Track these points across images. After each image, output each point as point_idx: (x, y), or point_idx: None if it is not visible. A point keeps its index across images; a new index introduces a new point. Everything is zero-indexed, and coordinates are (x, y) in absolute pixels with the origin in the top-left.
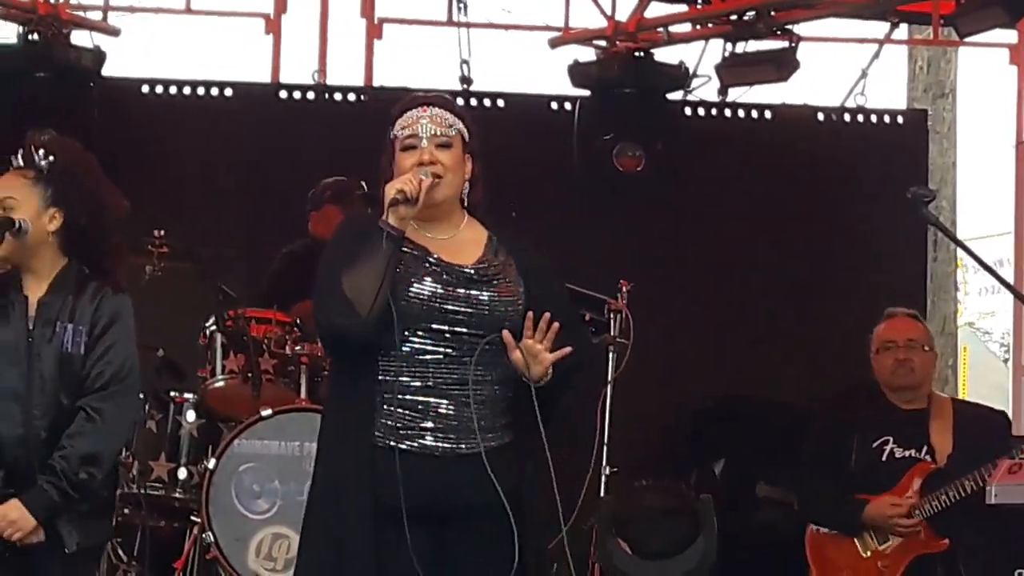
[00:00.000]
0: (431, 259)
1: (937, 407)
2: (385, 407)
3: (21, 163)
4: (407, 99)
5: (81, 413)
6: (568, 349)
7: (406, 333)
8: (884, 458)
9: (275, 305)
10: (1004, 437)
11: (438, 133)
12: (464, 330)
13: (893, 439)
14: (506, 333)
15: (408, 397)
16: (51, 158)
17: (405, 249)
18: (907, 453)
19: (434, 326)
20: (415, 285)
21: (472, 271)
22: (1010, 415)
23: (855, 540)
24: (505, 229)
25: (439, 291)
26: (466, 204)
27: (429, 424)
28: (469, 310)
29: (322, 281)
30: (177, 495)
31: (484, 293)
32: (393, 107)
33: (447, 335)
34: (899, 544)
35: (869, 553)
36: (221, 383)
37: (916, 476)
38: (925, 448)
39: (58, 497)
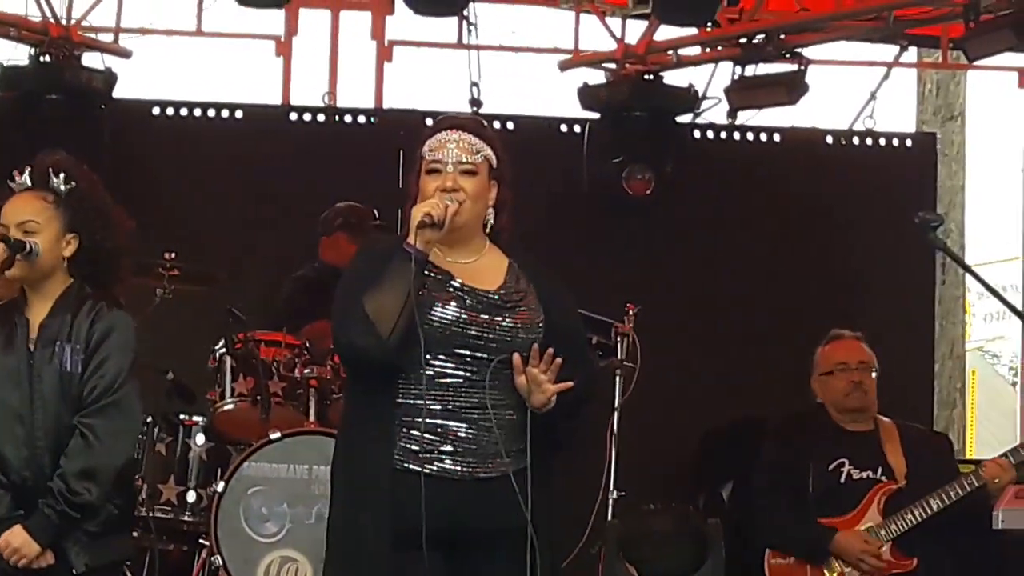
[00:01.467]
0: (454, 283)
1: (884, 428)
2: (405, 430)
3: (28, 183)
4: (440, 119)
5: (76, 431)
6: (570, 384)
7: (427, 356)
8: (842, 480)
9: (285, 329)
10: (950, 459)
11: (463, 160)
12: (485, 355)
13: (848, 460)
14: (516, 355)
15: (428, 421)
16: (72, 184)
17: (428, 272)
18: (864, 474)
19: (456, 350)
20: (439, 309)
21: (496, 296)
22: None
23: (821, 564)
24: (526, 255)
25: (463, 316)
26: (488, 230)
27: (448, 448)
28: (491, 335)
29: (342, 301)
30: (186, 518)
31: (506, 319)
32: (402, 130)
33: (468, 359)
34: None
35: (836, 575)
36: (230, 406)
37: (879, 496)
38: (881, 468)
39: (58, 519)
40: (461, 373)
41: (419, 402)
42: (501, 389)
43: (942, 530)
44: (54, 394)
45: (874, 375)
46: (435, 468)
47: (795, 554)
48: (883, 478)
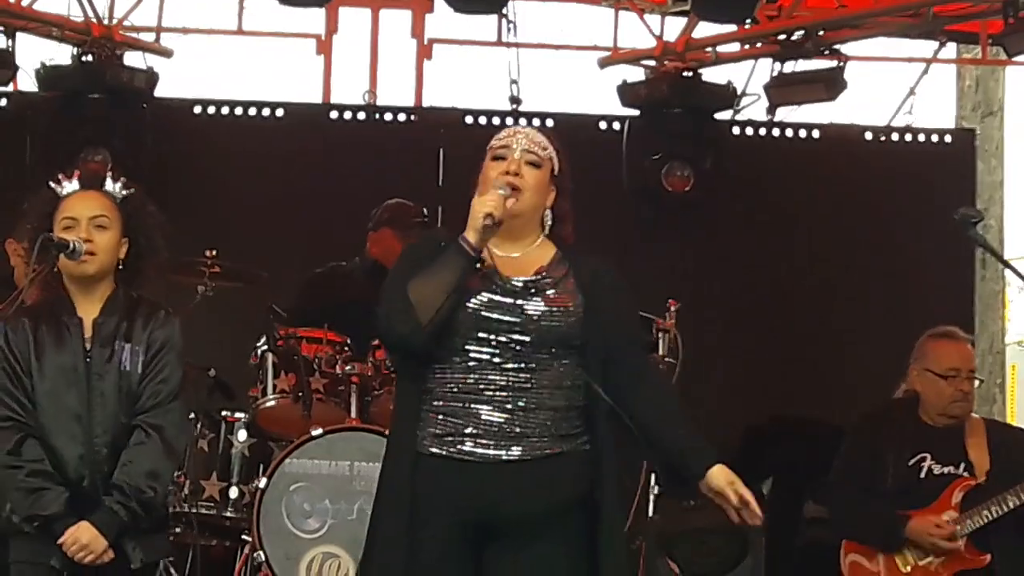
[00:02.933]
0: (489, 273)
1: (970, 424)
2: (432, 415)
3: (78, 187)
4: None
5: (139, 431)
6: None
7: (456, 340)
8: (923, 475)
9: (327, 325)
10: None
11: (531, 149)
12: (510, 338)
13: (931, 456)
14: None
15: (452, 404)
16: (131, 190)
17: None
18: (946, 470)
19: (480, 334)
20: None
21: (521, 283)
22: None
23: (894, 556)
24: (576, 249)
25: (485, 300)
26: (546, 232)
27: (471, 430)
28: (515, 319)
29: (389, 285)
30: (228, 514)
31: (531, 303)
32: (442, 128)
33: (492, 343)
34: (940, 559)
35: (909, 568)
36: (272, 403)
37: (956, 491)
38: (963, 464)
39: (126, 516)
40: (485, 357)
41: (447, 385)
42: (534, 372)
43: (1019, 527)
44: (113, 393)
45: (976, 383)
46: (456, 451)
47: (869, 541)
48: (964, 473)
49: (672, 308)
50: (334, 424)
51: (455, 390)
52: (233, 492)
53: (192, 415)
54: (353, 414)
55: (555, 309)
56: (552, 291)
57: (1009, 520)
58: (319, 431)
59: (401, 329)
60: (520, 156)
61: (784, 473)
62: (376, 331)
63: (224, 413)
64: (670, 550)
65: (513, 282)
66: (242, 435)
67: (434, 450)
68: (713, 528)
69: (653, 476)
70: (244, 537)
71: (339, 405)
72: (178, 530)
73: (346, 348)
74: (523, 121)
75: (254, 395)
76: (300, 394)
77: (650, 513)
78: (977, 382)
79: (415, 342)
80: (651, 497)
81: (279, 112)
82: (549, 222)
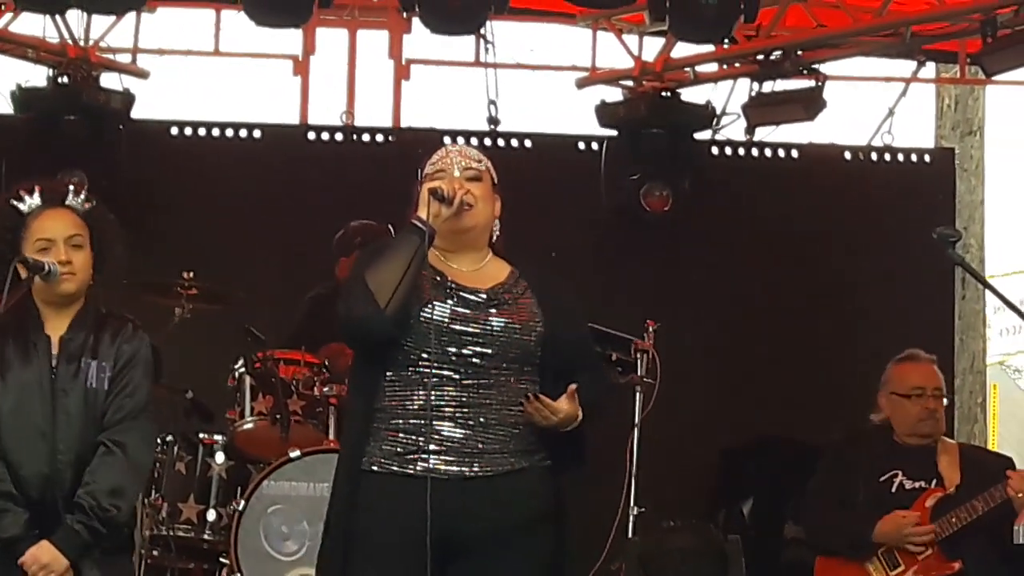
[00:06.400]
0: (446, 283)
1: (943, 445)
2: (388, 432)
3: (40, 202)
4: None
5: (102, 447)
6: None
7: (413, 356)
8: (893, 490)
9: (303, 348)
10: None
11: (467, 166)
12: (469, 352)
13: (902, 472)
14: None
15: (412, 421)
16: (92, 202)
17: (425, 274)
18: (917, 484)
19: (446, 349)
20: (427, 307)
21: (484, 295)
22: None
23: (867, 566)
24: (530, 265)
25: (447, 312)
26: (493, 240)
27: (433, 447)
28: (477, 331)
29: (349, 279)
30: (206, 537)
31: (495, 317)
32: (420, 148)
33: (453, 357)
34: (911, 569)
35: None
36: (250, 424)
37: (928, 500)
38: (935, 480)
39: (88, 535)
40: (446, 373)
41: (404, 403)
42: (493, 388)
43: (986, 532)
44: (79, 410)
45: (945, 400)
46: (418, 468)
47: (839, 551)
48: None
49: (651, 328)
50: (312, 446)
51: (414, 408)
52: (211, 515)
53: (170, 436)
54: (331, 436)
55: (517, 323)
56: (514, 305)
57: (979, 527)
58: (297, 453)
59: (360, 311)
60: (460, 174)
61: (764, 493)
62: (340, 328)
63: (202, 435)
64: (650, 571)
65: (478, 295)
66: (220, 457)
67: (394, 468)
68: (693, 549)
69: (632, 497)
70: (222, 560)
71: (317, 427)
72: (155, 553)
73: (323, 370)
74: (501, 141)
75: (232, 417)
76: (278, 416)
77: (630, 534)
78: (946, 401)
79: (376, 324)
80: (631, 518)
81: (256, 133)
82: (497, 231)
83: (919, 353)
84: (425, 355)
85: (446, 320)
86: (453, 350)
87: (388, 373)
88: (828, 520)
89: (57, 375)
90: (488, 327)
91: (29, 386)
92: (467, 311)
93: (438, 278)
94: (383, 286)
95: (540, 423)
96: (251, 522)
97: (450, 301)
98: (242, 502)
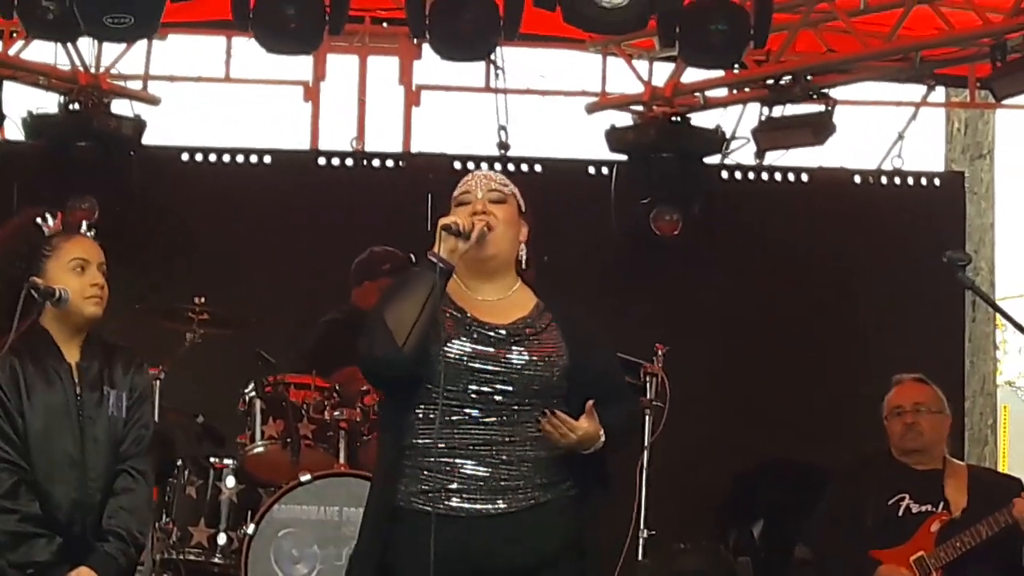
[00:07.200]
0: (468, 321)
1: (952, 468)
2: (416, 470)
3: (60, 227)
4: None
5: (126, 476)
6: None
7: (435, 394)
8: (900, 513)
9: (315, 372)
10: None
11: (492, 188)
12: (490, 389)
13: (909, 496)
14: (544, 424)
15: (436, 459)
16: (94, 231)
17: (446, 310)
18: (924, 508)
19: (467, 387)
20: (446, 345)
21: (504, 331)
22: None
23: None
24: (555, 296)
25: (467, 350)
26: (523, 267)
27: (455, 486)
28: (498, 369)
29: (369, 318)
30: (217, 560)
31: (515, 354)
32: (430, 174)
33: (473, 395)
34: None
35: None
36: (260, 448)
37: (933, 524)
38: (941, 504)
39: (124, 561)
40: (467, 410)
41: (429, 442)
42: (513, 424)
43: (989, 557)
44: (105, 437)
45: (935, 413)
46: (441, 507)
47: None
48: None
49: (660, 352)
50: (323, 470)
51: (440, 445)
52: (221, 538)
53: (180, 461)
54: (342, 459)
55: (538, 359)
56: (536, 340)
57: (982, 551)
58: (307, 477)
59: (379, 352)
60: (484, 196)
61: (774, 515)
62: (359, 365)
63: (212, 459)
64: None
65: (498, 331)
66: (230, 481)
67: (419, 506)
68: (704, 571)
69: (643, 519)
70: None
71: (328, 451)
72: None
73: (334, 394)
74: (512, 167)
75: (242, 441)
76: (288, 440)
77: (640, 556)
78: (935, 412)
79: (395, 363)
80: (641, 540)
81: (267, 159)
82: (524, 256)
83: (902, 376)
84: (446, 393)
85: (465, 358)
86: (474, 388)
87: (417, 411)
88: (834, 552)
89: (83, 402)
90: (509, 364)
91: (56, 411)
92: (487, 348)
93: (459, 314)
94: (401, 324)
95: (558, 441)
96: (261, 546)
97: (470, 338)
98: (252, 526)
